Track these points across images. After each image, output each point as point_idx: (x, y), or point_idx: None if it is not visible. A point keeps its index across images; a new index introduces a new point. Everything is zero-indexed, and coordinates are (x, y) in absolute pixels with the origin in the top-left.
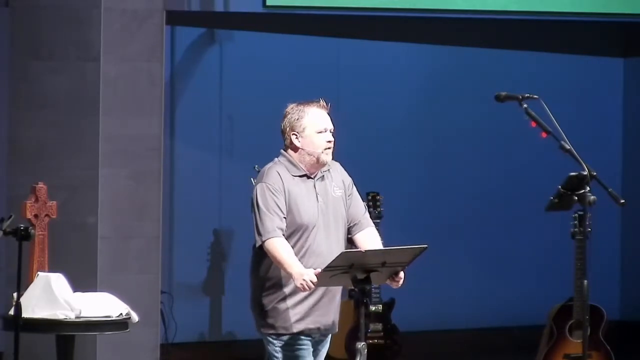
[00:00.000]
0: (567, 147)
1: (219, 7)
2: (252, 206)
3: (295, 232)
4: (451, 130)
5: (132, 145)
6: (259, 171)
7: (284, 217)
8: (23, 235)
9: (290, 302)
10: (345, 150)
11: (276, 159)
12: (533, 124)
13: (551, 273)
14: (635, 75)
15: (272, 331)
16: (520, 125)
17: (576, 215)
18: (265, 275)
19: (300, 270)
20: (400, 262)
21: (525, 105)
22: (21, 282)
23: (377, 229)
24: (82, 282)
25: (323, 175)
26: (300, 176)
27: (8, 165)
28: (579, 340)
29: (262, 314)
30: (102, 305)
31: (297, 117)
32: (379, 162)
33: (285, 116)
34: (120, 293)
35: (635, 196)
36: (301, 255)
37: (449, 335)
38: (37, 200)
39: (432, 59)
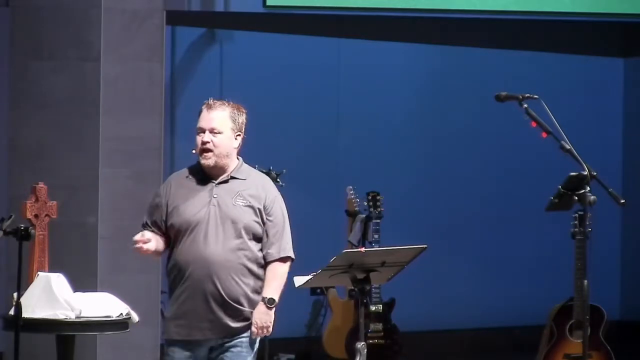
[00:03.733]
0: (567, 147)
1: (219, 7)
2: None
3: (179, 231)
4: (451, 130)
5: (132, 145)
6: (259, 171)
7: (160, 220)
8: (23, 235)
9: (168, 306)
10: (345, 150)
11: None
12: (533, 124)
13: (551, 273)
14: (635, 75)
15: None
16: (521, 126)
17: (576, 215)
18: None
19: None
20: (399, 262)
21: (525, 105)
22: (21, 282)
23: (377, 229)
24: (82, 282)
25: (228, 181)
26: (198, 178)
27: (8, 165)
28: (579, 340)
29: None
30: (102, 305)
31: None
32: (379, 162)
33: None
34: (120, 293)
35: (635, 196)
36: (182, 253)
37: (449, 335)
38: (37, 200)
39: (432, 59)
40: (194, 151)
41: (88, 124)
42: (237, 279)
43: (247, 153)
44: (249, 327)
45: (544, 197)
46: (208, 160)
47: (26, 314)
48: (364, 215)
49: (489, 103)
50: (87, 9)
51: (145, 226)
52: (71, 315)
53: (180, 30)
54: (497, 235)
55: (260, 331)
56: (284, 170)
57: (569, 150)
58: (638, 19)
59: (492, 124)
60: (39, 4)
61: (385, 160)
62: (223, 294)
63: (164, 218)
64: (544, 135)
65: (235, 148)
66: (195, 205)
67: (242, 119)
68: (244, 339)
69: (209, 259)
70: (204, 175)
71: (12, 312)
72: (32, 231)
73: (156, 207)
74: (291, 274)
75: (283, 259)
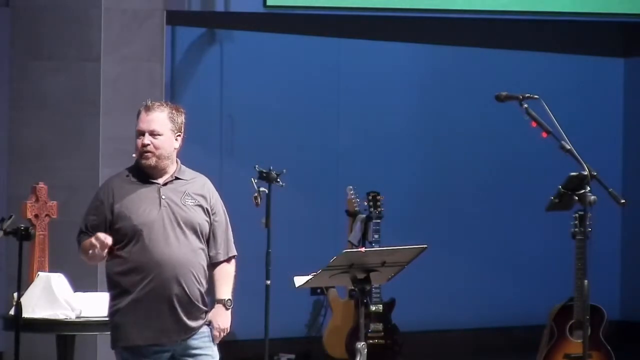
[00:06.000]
0: (568, 147)
1: (219, 7)
2: None
3: (132, 234)
4: (451, 130)
5: (132, 145)
6: (259, 171)
7: (105, 225)
8: (23, 235)
9: (119, 312)
10: (345, 150)
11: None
12: (533, 124)
13: (551, 273)
14: (635, 75)
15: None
16: (521, 126)
17: (576, 215)
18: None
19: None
20: (399, 262)
21: (525, 105)
22: (21, 282)
23: (377, 229)
24: (82, 282)
25: (173, 181)
26: (140, 180)
27: (8, 165)
28: (579, 340)
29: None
30: (102, 305)
31: None
32: (379, 162)
33: None
34: None
35: (635, 196)
36: (141, 255)
37: (449, 335)
38: (37, 200)
39: (432, 59)
40: (134, 155)
41: (88, 124)
42: (198, 279)
43: (248, 153)
44: (205, 323)
45: (544, 197)
46: (149, 160)
47: (26, 314)
48: (364, 215)
49: (489, 103)
50: (87, 9)
51: (84, 233)
52: (71, 315)
53: (180, 30)
54: (497, 235)
55: (221, 333)
56: (284, 170)
57: (569, 150)
58: (638, 19)
59: (492, 124)
60: (39, 4)
61: (385, 160)
62: (189, 295)
63: (108, 223)
64: (544, 135)
65: (175, 149)
66: (146, 207)
67: (181, 119)
68: (205, 332)
69: (175, 260)
70: (146, 177)
71: (12, 312)
72: (32, 231)
73: (99, 212)
74: (292, 274)
75: (230, 259)
